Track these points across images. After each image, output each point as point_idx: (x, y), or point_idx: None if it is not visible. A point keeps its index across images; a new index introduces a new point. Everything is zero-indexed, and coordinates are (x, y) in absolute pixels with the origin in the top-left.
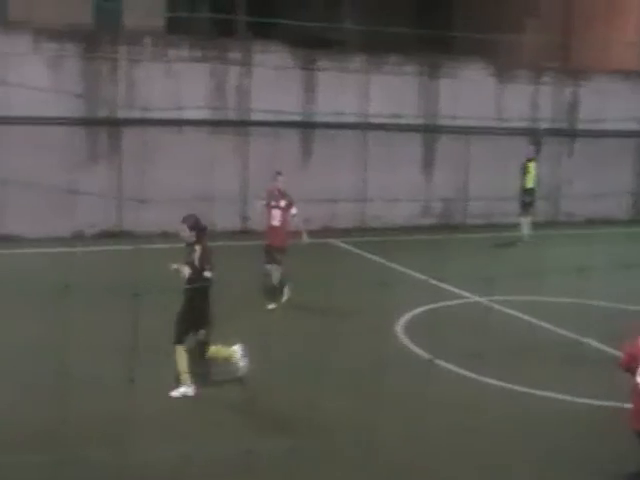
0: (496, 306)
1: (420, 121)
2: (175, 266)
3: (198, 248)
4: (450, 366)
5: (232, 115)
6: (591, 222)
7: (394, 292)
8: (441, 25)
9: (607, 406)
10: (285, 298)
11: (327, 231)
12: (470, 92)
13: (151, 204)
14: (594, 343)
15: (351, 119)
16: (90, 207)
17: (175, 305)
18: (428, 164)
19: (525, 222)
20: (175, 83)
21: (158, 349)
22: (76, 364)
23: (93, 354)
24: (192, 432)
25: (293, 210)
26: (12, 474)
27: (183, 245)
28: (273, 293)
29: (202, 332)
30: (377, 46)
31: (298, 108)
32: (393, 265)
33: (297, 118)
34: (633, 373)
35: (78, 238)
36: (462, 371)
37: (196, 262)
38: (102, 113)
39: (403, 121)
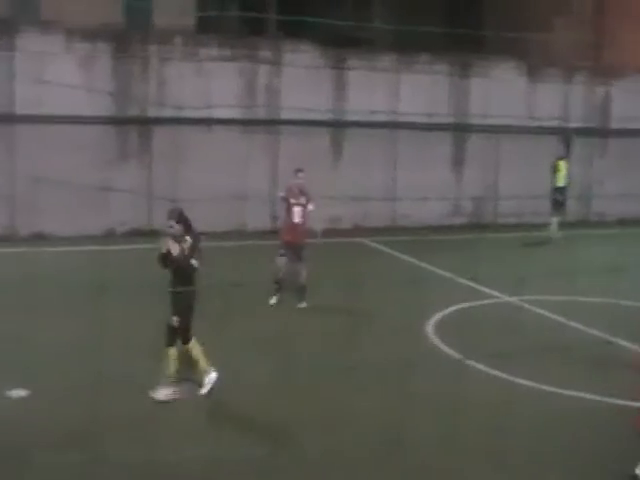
0: (526, 306)
1: (450, 120)
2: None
3: (188, 238)
4: (480, 366)
5: (262, 114)
6: (622, 222)
7: (424, 291)
8: (472, 24)
9: (636, 406)
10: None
11: (357, 230)
12: (501, 91)
13: (181, 203)
14: (624, 343)
15: (381, 118)
16: (121, 205)
17: (206, 303)
18: (458, 163)
19: (556, 221)
20: (205, 82)
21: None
22: (110, 362)
23: (127, 352)
24: (222, 432)
25: (310, 206)
26: (49, 473)
27: (211, 244)
28: (303, 292)
29: (174, 319)
30: (407, 45)
31: (328, 107)
32: (423, 264)
33: (327, 117)
34: None
35: (109, 236)
36: (492, 371)
37: (186, 252)
38: (133, 112)
39: (433, 120)
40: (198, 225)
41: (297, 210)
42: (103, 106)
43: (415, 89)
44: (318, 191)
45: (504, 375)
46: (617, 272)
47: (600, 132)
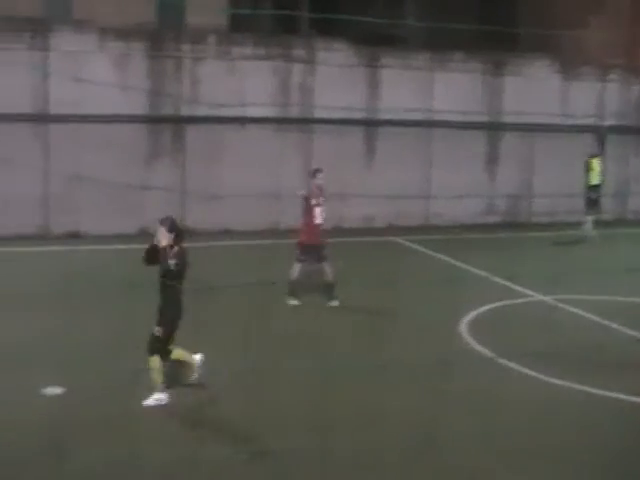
0: (560, 305)
1: (484, 118)
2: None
3: (177, 248)
4: (514, 365)
5: (295, 113)
6: None
7: (458, 290)
8: (505, 22)
9: None
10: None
11: (391, 229)
12: (535, 89)
13: (214, 201)
14: None
15: (415, 116)
16: (154, 204)
17: (237, 301)
18: (492, 161)
19: (590, 220)
20: (239, 81)
21: (223, 344)
22: (145, 361)
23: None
24: (257, 431)
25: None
26: (82, 472)
27: (239, 242)
28: (332, 290)
29: (157, 329)
30: (441, 43)
31: (362, 106)
32: (457, 263)
33: (361, 115)
34: None
35: (143, 235)
36: (525, 370)
37: (169, 253)
38: (166, 111)
39: (467, 118)
40: (232, 223)
41: (318, 211)
42: (137, 105)
43: (449, 87)
44: (351, 190)
45: (537, 374)
46: None
47: (635, 130)
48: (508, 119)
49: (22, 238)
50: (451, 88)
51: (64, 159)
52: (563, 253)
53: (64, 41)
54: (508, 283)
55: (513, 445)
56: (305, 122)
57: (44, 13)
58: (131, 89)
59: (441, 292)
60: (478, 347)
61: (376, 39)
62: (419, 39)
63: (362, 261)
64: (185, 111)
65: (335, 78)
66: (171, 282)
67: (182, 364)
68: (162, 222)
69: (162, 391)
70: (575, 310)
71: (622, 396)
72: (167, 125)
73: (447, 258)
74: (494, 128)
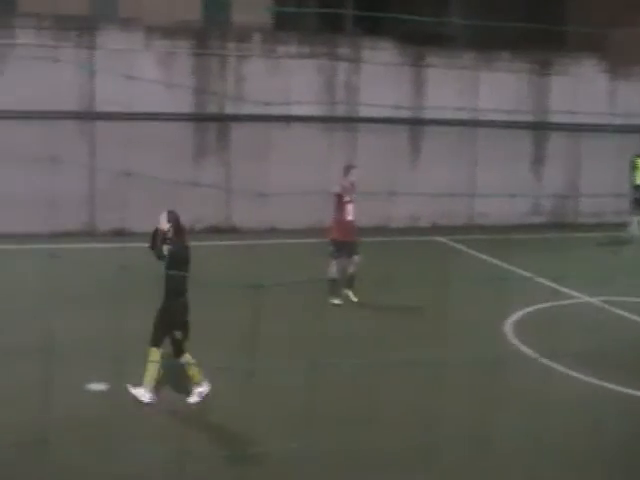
0: (607, 306)
1: (530, 118)
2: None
3: (174, 238)
4: (558, 366)
5: (341, 111)
6: None
7: (503, 291)
8: (553, 20)
9: None
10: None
11: (436, 228)
12: (582, 89)
13: (260, 199)
14: None
15: (460, 116)
16: (199, 202)
17: (283, 300)
18: (538, 161)
19: (636, 220)
20: (284, 79)
21: (272, 343)
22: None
23: (202, 346)
24: (312, 426)
25: None
26: (126, 467)
27: (286, 240)
28: (352, 281)
29: (178, 333)
30: (487, 42)
31: (407, 104)
32: (502, 263)
33: (406, 115)
34: None
35: (188, 233)
36: (570, 371)
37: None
38: (212, 109)
39: (513, 118)
40: (277, 221)
41: (350, 207)
42: (182, 103)
43: (494, 87)
44: (397, 189)
45: (582, 376)
46: None
47: None
48: (555, 119)
49: (69, 235)
50: (497, 87)
51: (110, 157)
52: (610, 254)
53: (110, 39)
54: (554, 284)
55: (560, 445)
56: (350, 121)
57: (91, 12)
58: (177, 87)
59: (485, 293)
60: (523, 348)
61: (422, 38)
62: (465, 38)
63: (407, 261)
64: (230, 109)
65: (380, 77)
66: (168, 270)
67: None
68: (168, 214)
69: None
70: (621, 312)
71: None
72: (212, 123)
73: (492, 258)
74: (540, 128)
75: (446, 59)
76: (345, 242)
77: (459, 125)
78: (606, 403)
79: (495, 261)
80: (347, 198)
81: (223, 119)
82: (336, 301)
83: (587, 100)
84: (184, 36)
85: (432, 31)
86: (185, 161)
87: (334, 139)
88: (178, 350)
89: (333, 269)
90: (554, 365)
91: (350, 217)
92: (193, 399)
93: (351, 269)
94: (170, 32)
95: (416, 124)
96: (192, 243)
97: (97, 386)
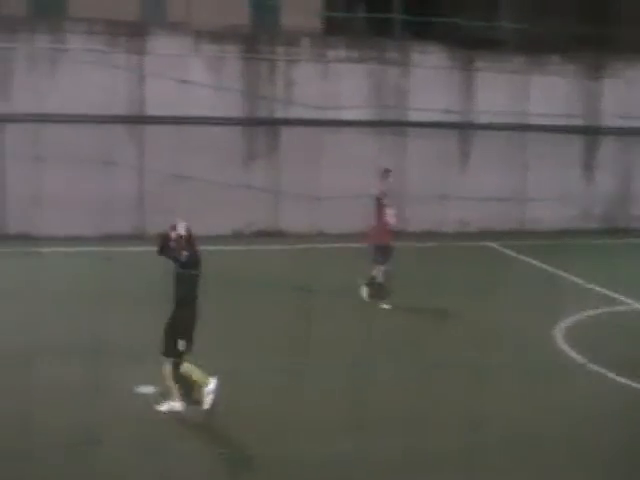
0: None
1: (582, 122)
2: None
3: (184, 255)
4: (607, 372)
5: (390, 115)
6: None
7: (553, 296)
8: (605, 22)
9: None
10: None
11: (485, 233)
12: (635, 92)
13: (309, 203)
14: None
15: (510, 120)
16: (249, 206)
17: (332, 304)
18: (590, 166)
19: None
20: (333, 83)
21: (319, 345)
22: (240, 359)
23: (251, 349)
24: (364, 427)
25: None
26: (176, 467)
27: (334, 245)
28: (380, 290)
29: (182, 343)
30: (537, 45)
31: (456, 108)
32: (552, 269)
33: (455, 119)
34: None
35: (237, 236)
36: (618, 378)
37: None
38: (261, 113)
39: (564, 122)
40: (326, 225)
41: (389, 211)
42: (231, 107)
43: (545, 91)
44: (446, 194)
45: (630, 382)
46: None
47: None
48: (606, 123)
49: (119, 238)
50: (547, 91)
51: (160, 160)
52: None
53: (160, 44)
54: (604, 290)
55: (607, 451)
56: (399, 125)
57: (141, 17)
58: (226, 91)
59: (535, 298)
60: (572, 353)
61: (471, 41)
62: (515, 41)
63: (456, 265)
64: (279, 113)
65: (430, 81)
66: (183, 274)
67: (192, 382)
68: (180, 223)
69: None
70: None
71: None
72: (261, 127)
73: (542, 264)
74: (592, 132)
75: (496, 63)
76: (384, 246)
77: (509, 129)
78: None
79: (545, 266)
80: (386, 202)
81: (272, 123)
82: (385, 305)
83: None
84: (233, 40)
85: (482, 35)
86: (234, 165)
87: (383, 143)
88: (178, 363)
89: (379, 274)
90: (603, 371)
91: (390, 221)
92: (207, 401)
93: (381, 278)
94: (219, 37)
95: (465, 128)
96: (241, 247)
97: (145, 389)
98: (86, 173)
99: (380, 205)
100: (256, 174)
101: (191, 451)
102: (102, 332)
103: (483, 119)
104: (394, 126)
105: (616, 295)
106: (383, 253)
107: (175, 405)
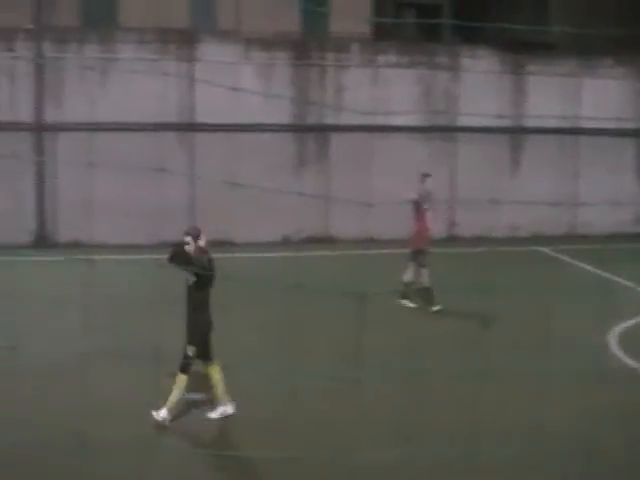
0: None
1: (634, 125)
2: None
3: (202, 260)
4: None
5: (440, 120)
6: None
7: (605, 302)
8: None
9: None
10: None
11: (537, 238)
12: None
13: (358, 210)
14: None
15: (562, 124)
16: (298, 212)
17: (380, 309)
18: None
19: None
20: (382, 89)
21: (373, 351)
22: (307, 363)
23: (308, 354)
24: (414, 432)
25: None
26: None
27: (384, 251)
28: (428, 294)
29: (192, 349)
30: (588, 48)
31: (507, 113)
32: (605, 274)
33: (506, 123)
34: None
35: (286, 243)
36: None
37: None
38: (311, 119)
39: (616, 125)
40: (377, 231)
41: (429, 215)
42: (282, 113)
43: (597, 94)
44: (497, 199)
45: None
46: None
47: None
48: None
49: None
50: (599, 95)
51: (210, 167)
52: None
53: (210, 51)
54: None
55: None
56: (450, 130)
57: (191, 24)
58: (276, 98)
59: (587, 303)
60: (626, 359)
61: (521, 45)
62: (566, 44)
63: (507, 271)
64: (329, 119)
65: (480, 85)
66: (200, 289)
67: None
68: (190, 229)
69: (226, 402)
70: None
71: None
72: (312, 133)
73: (594, 269)
74: None
75: (547, 66)
76: (423, 249)
77: (560, 133)
78: None
79: (598, 271)
80: (426, 206)
81: (322, 129)
82: (435, 307)
83: None
84: (283, 47)
85: (532, 38)
86: (284, 171)
87: (434, 148)
88: (185, 367)
89: (426, 277)
90: None
91: (429, 225)
92: (216, 413)
93: (424, 282)
94: (269, 43)
95: (516, 132)
96: (291, 253)
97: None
98: (137, 181)
99: (420, 209)
100: (306, 180)
101: (241, 454)
102: (155, 339)
103: (534, 123)
104: (444, 131)
105: None
106: (424, 256)
107: (226, 409)
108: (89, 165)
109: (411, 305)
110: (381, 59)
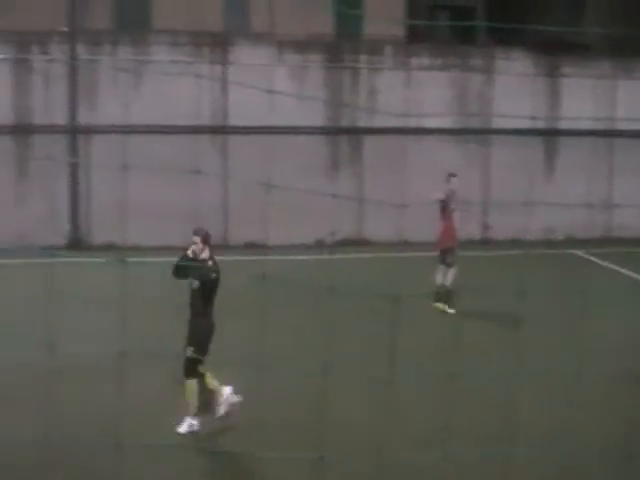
0: None
1: None
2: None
3: (210, 263)
4: None
5: (473, 123)
6: None
7: None
8: None
9: None
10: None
11: (570, 241)
12: None
13: (392, 212)
14: None
15: (597, 126)
16: (332, 215)
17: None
18: None
19: None
20: (415, 91)
21: (408, 353)
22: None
23: (354, 355)
24: (447, 434)
25: None
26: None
27: (418, 254)
28: (450, 296)
29: (190, 349)
30: (624, 50)
31: (542, 115)
32: None
33: (540, 125)
34: None
35: (320, 245)
36: None
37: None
38: (344, 122)
39: None
40: (411, 234)
41: (456, 215)
42: (315, 116)
43: (632, 96)
44: (531, 201)
45: None
46: None
47: None
48: None
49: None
50: (634, 96)
51: (243, 170)
52: None
53: (243, 54)
54: None
55: None
56: (483, 132)
57: (224, 27)
58: (309, 100)
59: (624, 308)
60: None
61: (556, 47)
62: (602, 46)
63: (541, 274)
64: (362, 122)
65: (514, 88)
66: (204, 293)
67: (212, 394)
68: (197, 231)
69: (194, 416)
70: None
71: None
72: (345, 135)
73: (628, 272)
74: None
75: (582, 68)
76: (450, 249)
77: (596, 135)
78: None
79: (633, 274)
80: (453, 206)
81: (355, 132)
82: (450, 310)
83: None
84: (316, 50)
85: (566, 39)
86: (318, 174)
87: (467, 151)
88: (189, 371)
89: (450, 278)
90: None
91: (456, 224)
92: (221, 409)
93: (448, 283)
94: (302, 46)
95: (551, 135)
96: (325, 256)
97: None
98: (171, 183)
99: (447, 209)
100: (339, 183)
101: (282, 456)
102: None
103: (568, 125)
104: (477, 134)
105: None
106: (451, 256)
107: (194, 424)
108: (123, 167)
109: (445, 308)
110: (414, 61)
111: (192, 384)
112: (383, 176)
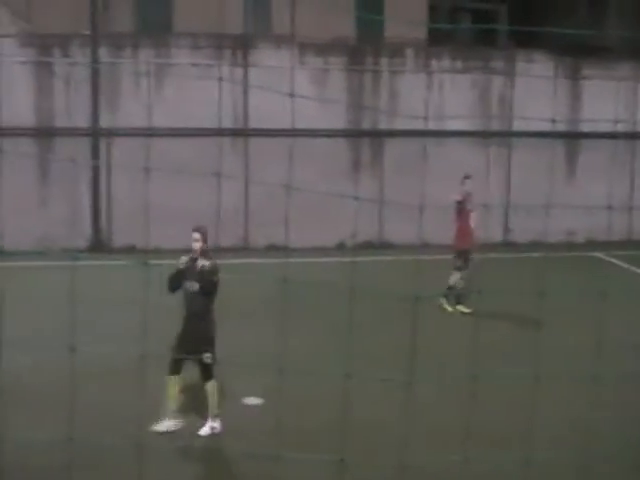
0: None
1: None
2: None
3: (209, 264)
4: None
5: (495, 125)
6: None
7: None
8: None
9: None
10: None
11: (593, 244)
12: None
13: (412, 215)
14: None
15: (619, 128)
16: (352, 218)
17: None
18: None
19: None
20: (437, 94)
21: (426, 355)
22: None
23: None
24: (468, 436)
25: None
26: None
27: (438, 257)
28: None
29: (207, 355)
30: None
31: (563, 118)
32: None
33: (561, 128)
34: None
35: (340, 248)
36: None
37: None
38: (365, 124)
39: None
40: (431, 237)
41: (473, 216)
42: (336, 119)
43: None
44: (551, 204)
45: None
46: None
47: None
48: None
49: (225, 250)
50: None
51: (264, 173)
52: None
53: (264, 57)
54: None
55: None
56: (505, 135)
57: (245, 30)
58: (330, 103)
59: None
60: None
61: (577, 49)
62: (622, 48)
63: (562, 276)
64: (384, 124)
65: (535, 90)
66: (205, 295)
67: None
68: (198, 228)
69: (215, 418)
70: None
71: None
72: (366, 138)
73: None
74: None
75: (603, 70)
76: (468, 250)
77: (618, 138)
78: None
79: None
80: (470, 207)
81: (377, 134)
82: (447, 307)
83: None
84: (337, 52)
85: (588, 42)
86: (339, 177)
87: (489, 154)
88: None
89: (456, 277)
90: None
91: (473, 225)
92: (205, 429)
93: (452, 280)
94: (323, 49)
95: (572, 137)
96: (346, 258)
97: (253, 400)
98: (192, 185)
99: (463, 210)
100: (360, 185)
101: (303, 459)
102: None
103: (589, 128)
104: (499, 136)
105: None
106: (464, 258)
107: (171, 425)
108: (144, 170)
109: (466, 310)
110: (435, 64)
111: (212, 385)
112: (404, 179)
